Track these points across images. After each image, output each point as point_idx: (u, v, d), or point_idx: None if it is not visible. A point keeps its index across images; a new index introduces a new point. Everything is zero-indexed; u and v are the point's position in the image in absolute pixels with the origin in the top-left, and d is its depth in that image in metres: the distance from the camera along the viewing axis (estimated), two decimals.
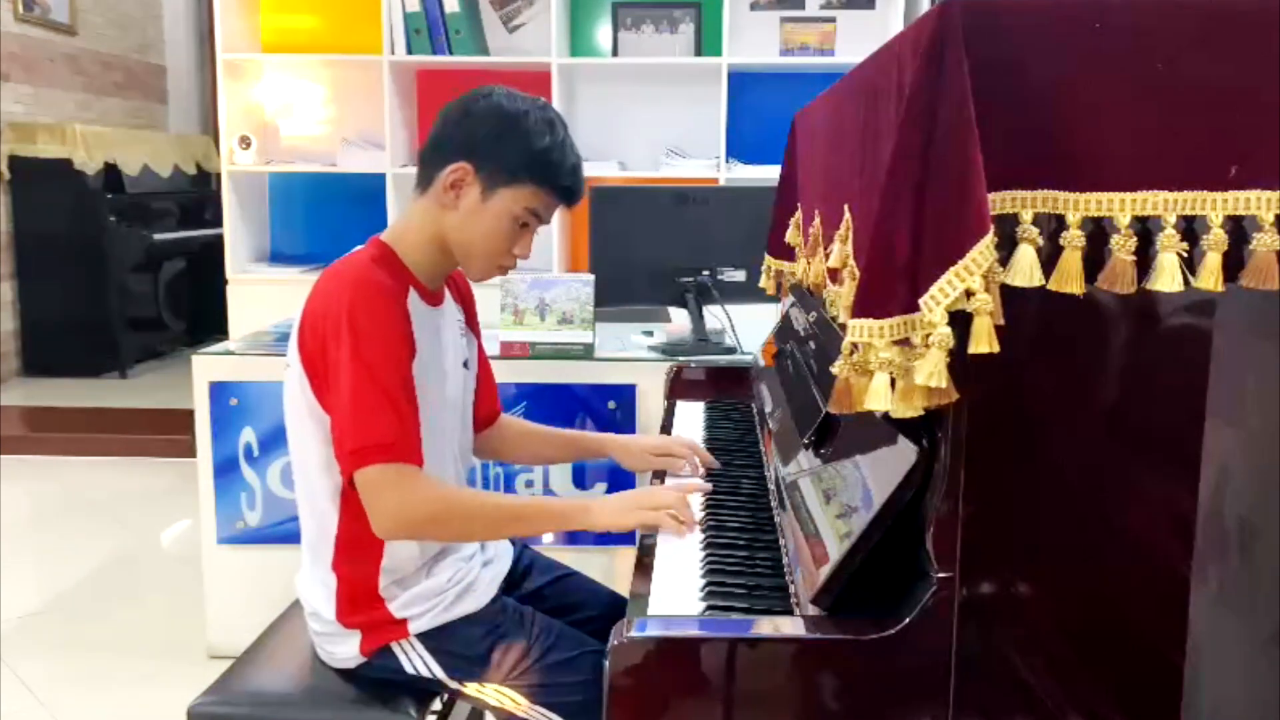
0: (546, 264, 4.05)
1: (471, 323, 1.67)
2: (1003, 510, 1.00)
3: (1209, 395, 0.97)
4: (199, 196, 6.34)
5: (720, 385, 2.23)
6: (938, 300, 0.89)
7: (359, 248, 1.51)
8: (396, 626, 1.47)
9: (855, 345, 0.96)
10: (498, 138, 1.43)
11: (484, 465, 2.46)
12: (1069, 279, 0.92)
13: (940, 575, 0.99)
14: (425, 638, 1.47)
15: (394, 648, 1.47)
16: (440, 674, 1.47)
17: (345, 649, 1.49)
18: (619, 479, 2.48)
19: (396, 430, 1.36)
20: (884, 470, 1.06)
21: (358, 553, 1.46)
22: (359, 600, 1.47)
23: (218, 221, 4.27)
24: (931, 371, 0.90)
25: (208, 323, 5.67)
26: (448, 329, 1.57)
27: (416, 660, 1.47)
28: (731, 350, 2.50)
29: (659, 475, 1.72)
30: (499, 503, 1.66)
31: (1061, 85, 0.92)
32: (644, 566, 1.32)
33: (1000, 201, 0.93)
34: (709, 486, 1.57)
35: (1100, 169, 0.92)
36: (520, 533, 1.69)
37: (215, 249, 4.36)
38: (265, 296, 4.00)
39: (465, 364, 1.62)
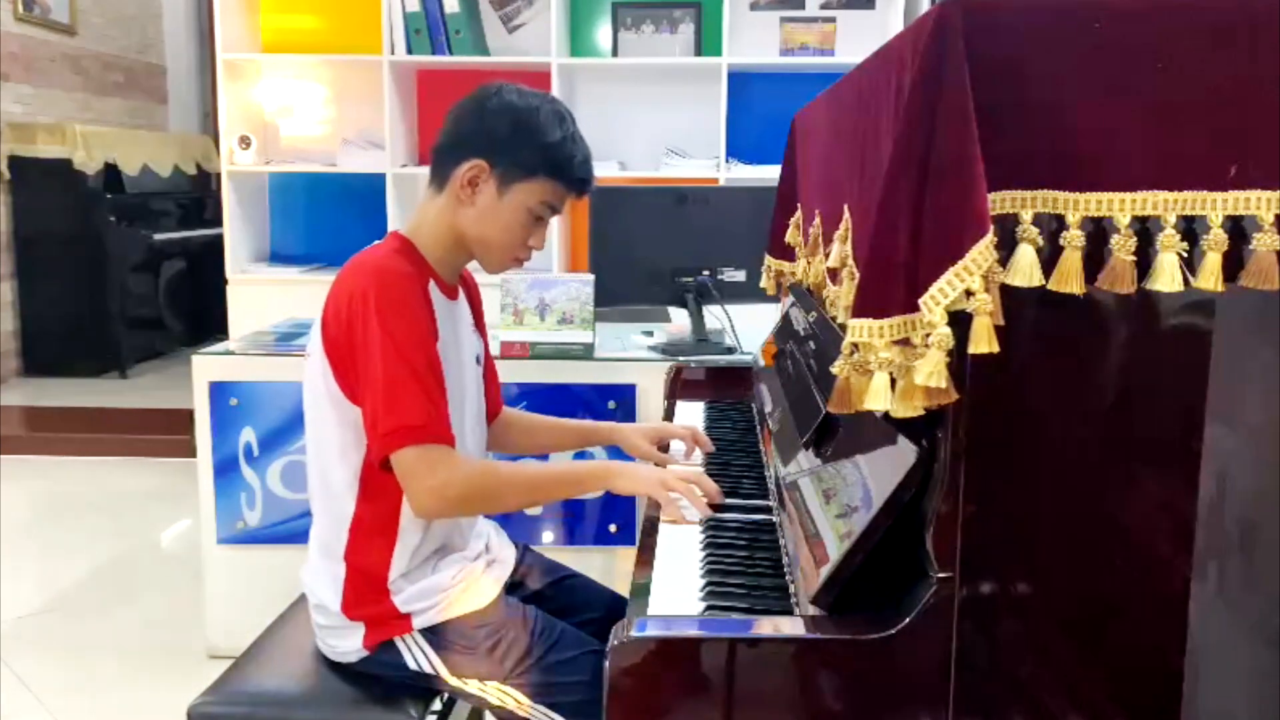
0: (546, 264, 4.05)
1: (479, 323, 1.69)
2: (1003, 510, 1.00)
3: (1209, 395, 0.97)
4: (199, 196, 6.34)
5: (720, 385, 2.24)
6: (937, 300, 0.89)
7: (379, 241, 1.53)
8: (400, 621, 1.48)
9: (855, 345, 0.96)
10: (512, 135, 1.46)
11: None
12: (1069, 279, 0.92)
13: (940, 575, 0.99)
14: (428, 633, 1.48)
15: (397, 642, 1.48)
16: (442, 670, 1.47)
17: (348, 643, 1.50)
18: None
19: (428, 411, 1.39)
20: (884, 470, 1.06)
21: (371, 540, 1.48)
22: (365, 593, 1.48)
23: (218, 221, 4.27)
24: (931, 371, 0.90)
25: (208, 323, 5.67)
26: (463, 323, 1.60)
27: (419, 655, 1.48)
28: (731, 350, 2.50)
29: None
30: (527, 471, 1.69)
31: (1061, 85, 0.92)
32: (644, 566, 1.32)
33: (1000, 201, 0.93)
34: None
35: (1100, 169, 0.92)
36: (551, 498, 1.80)
37: (215, 249, 4.37)
38: (265, 296, 4.00)
39: (477, 359, 1.65)
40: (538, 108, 1.48)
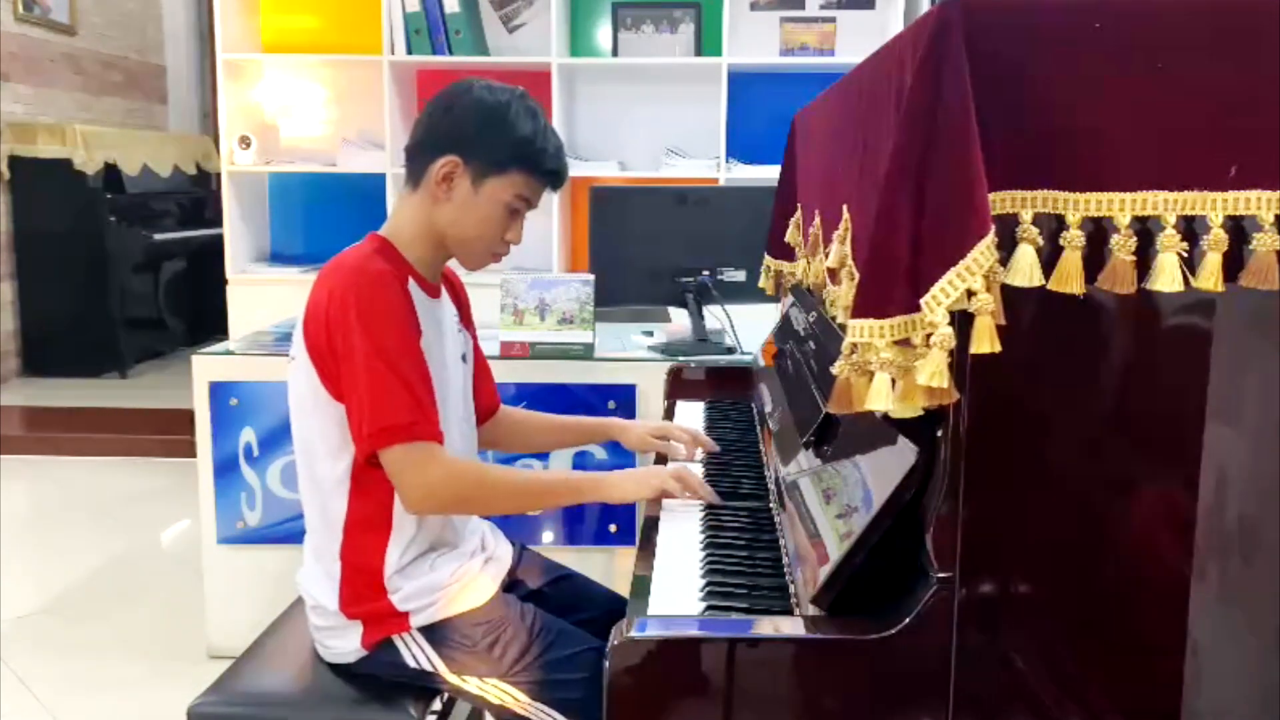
0: (546, 264, 4.04)
1: (466, 321, 1.69)
2: (1003, 510, 1.00)
3: (1209, 395, 0.97)
4: (199, 196, 6.34)
5: (720, 385, 2.24)
6: (939, 300, 0.89)
7: (358, 243, 1.53)
8: (398, 619, 1.48)
9: (855, 345, 0.96)
10: (483, 130, 1.48)
11: (482, 457, 2.47)
12: (1069, 279, 0.92)
13: (940, 575, 0.99)
14: (426, 631, 1.48)
15: (395, 640, 1.48)
16: (441, 668, 1.47)
17: (347, 643, 1.50)
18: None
19: (415, 409, 1.39)
20: (884, 470, 1.06)
21: (365, 537, 1.48)
22: (363, 590, 1.48)
23: (218, 221, 4.27)
24: (933, 372, 0.90)
25: (208, 323, 5.67)
26: (447, 322, 1.60)
27: (417, 653, 1.48)
28: (731, 350, 2.50)
29: (660, 461, 1.76)
30: (521, 476, 1.71)
31: (1061, 85, 0.93)
32: (644, 565, 1.32)
33: (1000, 201, 0.93)
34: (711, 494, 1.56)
35: (1100, 169, 0.92)
36: (542, 505, 1.84)
37: (215, 249, 4.36)
38: (265, 296, 4.00)
39: (464, 358, 1.64)
40: (508, 103, 1.49)
